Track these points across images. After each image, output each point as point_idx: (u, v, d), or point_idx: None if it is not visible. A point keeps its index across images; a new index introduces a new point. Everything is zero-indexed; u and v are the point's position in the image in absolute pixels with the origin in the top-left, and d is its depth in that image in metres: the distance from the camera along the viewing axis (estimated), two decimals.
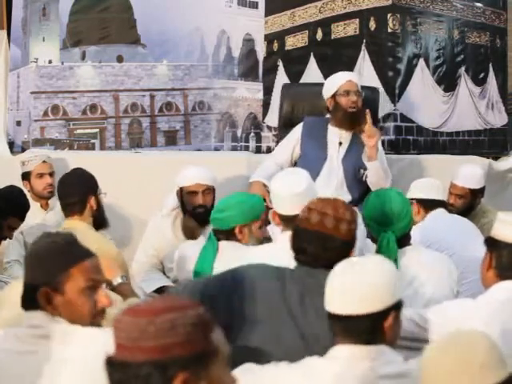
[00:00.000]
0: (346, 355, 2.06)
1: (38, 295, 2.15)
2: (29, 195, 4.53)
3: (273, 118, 6.16)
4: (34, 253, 2.22)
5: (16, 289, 2.85)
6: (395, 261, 3.18)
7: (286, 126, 5.30)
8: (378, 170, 4.64)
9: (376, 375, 2.04)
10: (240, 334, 2.39)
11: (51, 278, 2.15)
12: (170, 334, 1.48)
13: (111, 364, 1.51)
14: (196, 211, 4.32)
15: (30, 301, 2.18)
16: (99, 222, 3.80)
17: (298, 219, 2.58)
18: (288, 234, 3.08)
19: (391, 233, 3.17)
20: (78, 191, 3.76)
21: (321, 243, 2.49)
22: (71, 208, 3.75)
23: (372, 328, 2.06)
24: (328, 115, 4.85)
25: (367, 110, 4.67)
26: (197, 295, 2.44)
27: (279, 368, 2.17)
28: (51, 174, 4.97)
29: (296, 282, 2.50)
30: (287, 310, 2.45)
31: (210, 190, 4.37)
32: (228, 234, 3.36)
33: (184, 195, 4.37)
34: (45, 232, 2.30)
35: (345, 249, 2.49)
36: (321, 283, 2.17)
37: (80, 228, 3.59)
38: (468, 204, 4.89)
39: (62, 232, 2.36)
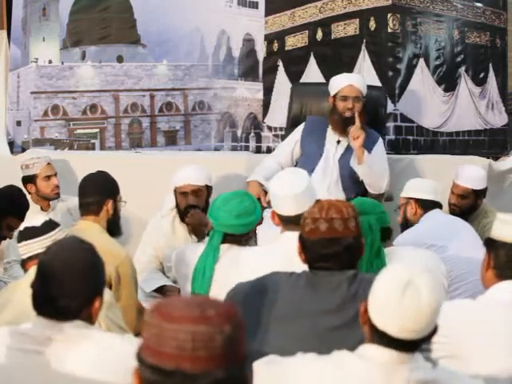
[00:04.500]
0: (378, 356, 2.06)
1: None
2: (29, 197, 4.54)
3: (273, 118, 6.16)
4: None
5: (19, 290, 2.86)
6: (380, 241, 3.19)
7: (294, 127, 5.29)
8: (367, 174, 4.64)
9: (407, 379, 2.03)
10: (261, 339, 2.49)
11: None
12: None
13: (169, 374, 1.45)
14: (188, 211, 4.34)
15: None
16: (113, 227, 3.75)
17: (306, 232, 2.59)
18: (288, 234, 3.09)
19: (371, 216, 3.18)
20: (97, 192, 3.72)
21: (338, 246, 2.56)
22: (88, 207, 3.72)
23: (420, 345, 2.08)
24: None
25: (356, 113, 4.69)
26: None
27: (307, 359, 2.17)
28: (56, 175, 5.00)
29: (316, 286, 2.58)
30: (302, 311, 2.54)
31: (201, 191, 4.37)
32: (241, 238, 3.27)
33: (177, 195, 4.40)
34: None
35: (358, 242, 2.61)
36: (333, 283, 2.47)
37: (91, 229, 3.59)
38: (471, 204, 4.89)
39: None
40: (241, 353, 1.49)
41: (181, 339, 1.44)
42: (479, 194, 4.93)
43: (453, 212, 4.87)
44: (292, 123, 5.28)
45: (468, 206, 4.90)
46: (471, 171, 4.95)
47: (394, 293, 2.03)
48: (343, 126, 4.75)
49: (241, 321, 1.51)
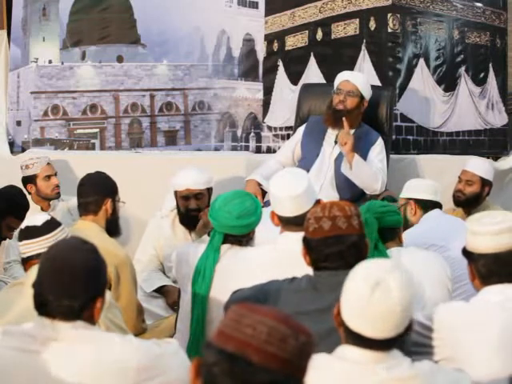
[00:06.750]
0: (355, 357, 2.06)
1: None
2: (29, 198, 4.54)
3: (273, 118, 6.16)
4: None
5: (24, 293, 2.86)
6: (378, 237, 3.18)
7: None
8: (357, 178, 4.64)
9: (385, 377, 2.03)
10: None
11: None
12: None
13: (232, 358, 1.48)
14: (189, 214, 4.33)
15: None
16: (112, 227, 3.76)
17: (310, 232, 2.59)
18: (287, 234, 3.09)
19: (368, 213, 3.17)
20: (96, 191, 3.74)
21: (342, 244, 2.56)
22: (87, 206, 3.74)
23: (395, 343, 2.08)
24: None
25: (344, 118, 4.70)
26: None
27: None
28: (56, 175, 5.02)
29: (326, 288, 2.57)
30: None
31: (202, 194, 4.36)
32: (242, 239, 3.24)
33: (178, 198, 4.39)
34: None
35: (362, 241, 2.61)
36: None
37: (90, 228, 3.60)
38: (475, 193, 4.94)
39: None
40: (304, 370, 1.52)
41: (258, 329, 1.49)
42: (485, 185, 4.97)
43: (457, 199, 4.92)
44: (300, 123, 5.29)
45: (473, 193, 4.95)
46: (481, 161, 5.14)
47: (364, 292, 2.02)
48: (333, 118, 4.78)
49: (313, 345, 1.55)
